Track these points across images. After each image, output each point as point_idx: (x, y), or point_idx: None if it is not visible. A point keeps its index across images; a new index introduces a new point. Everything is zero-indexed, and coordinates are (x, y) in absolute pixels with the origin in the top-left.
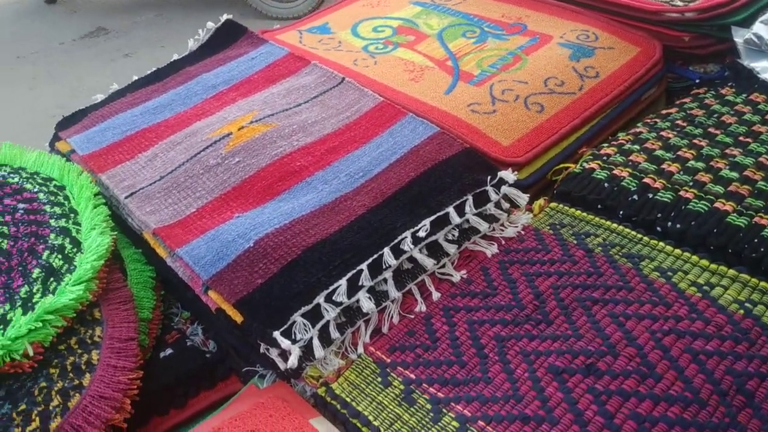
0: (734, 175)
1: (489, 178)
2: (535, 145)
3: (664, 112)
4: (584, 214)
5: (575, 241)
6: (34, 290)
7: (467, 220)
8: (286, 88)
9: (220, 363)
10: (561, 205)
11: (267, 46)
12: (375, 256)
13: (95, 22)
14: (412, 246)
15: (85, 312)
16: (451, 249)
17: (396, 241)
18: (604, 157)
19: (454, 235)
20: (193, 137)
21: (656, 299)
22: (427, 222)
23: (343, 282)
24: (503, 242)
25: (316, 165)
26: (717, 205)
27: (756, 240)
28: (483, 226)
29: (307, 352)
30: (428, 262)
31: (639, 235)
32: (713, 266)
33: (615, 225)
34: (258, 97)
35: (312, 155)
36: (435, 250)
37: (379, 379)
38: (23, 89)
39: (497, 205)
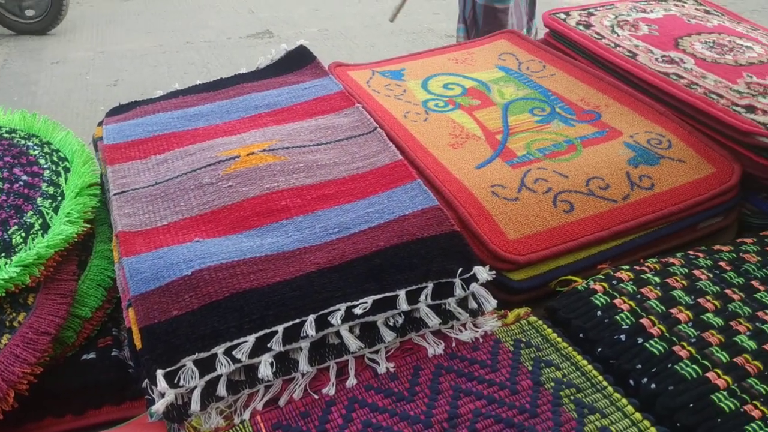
0: (751, 344)
1: (461, 270)
2: (545, 247)
3: (716, 247)
4: (559, 339)
5: (530, 368)
6: None
7: (419, 310)
8: (318, 125)
9: (136, 382)
10: (540, 322)
11: (325, 79)
12: (297, 320)
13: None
14: (339, 321)
15: (18, 294)
16: (389, 336)
17: (326, 311)
18: (615, 281)
19: (398, 322)
20: (205, 152)
21: None
22: (369, 300)
23: (250, 339)
24: (453, 345)
25: (301, 209)
26: (710, 375)
27: None
28: (432, 321)
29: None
30: (353, 344)
31: (605, 383)
32: None
33: (585, 362)
34: (286, 128)
35: (302, 198)
36: (372, 333)
37: None
38: (179, 73)
39: (462, 302)
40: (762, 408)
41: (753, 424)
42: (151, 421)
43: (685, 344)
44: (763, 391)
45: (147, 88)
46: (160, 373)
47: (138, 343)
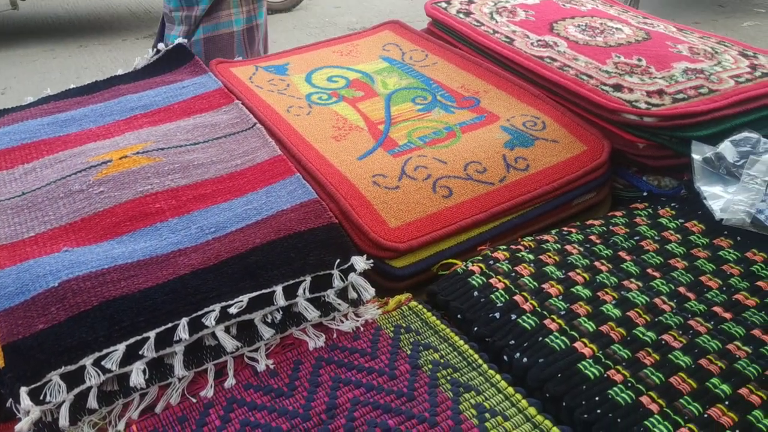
0: (616, 312)
1: (338, 261)
2: (425, 233)
3: (588, 222)
4: (437, 321)
5: (409, 352)
6: None
7: (297, 304)
8: (195, 124)
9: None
10: (420, 306)
11: (204, 77)
12: (169, 325)
13: None
14: (214, 322)
15: None
16: (267, 333)
17: (200, 313)
18: (491, 261)
19: (276, 318)
20: (76, 158)
21: None
22: (244, 298)
23: (120, 347)
24: (335, 336)
25: (176, 211)
26: (577, 345)
27: (597, 398)
28: (312, 315)
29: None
30: (230, 344)
31: (480, 361)
32: (538, 418)
33: (461, 342)
34: (162, 128)
35: (177, 199)
36: (250, 331)
37: None
38: (72, 78)
39: (342, 293)
40: (624, 372)
41: (615, 388)
42: None
43: (555, 317)
44: (626, 356)
45: (38, 96)
46: (23, 390)
47: (0, 362)
